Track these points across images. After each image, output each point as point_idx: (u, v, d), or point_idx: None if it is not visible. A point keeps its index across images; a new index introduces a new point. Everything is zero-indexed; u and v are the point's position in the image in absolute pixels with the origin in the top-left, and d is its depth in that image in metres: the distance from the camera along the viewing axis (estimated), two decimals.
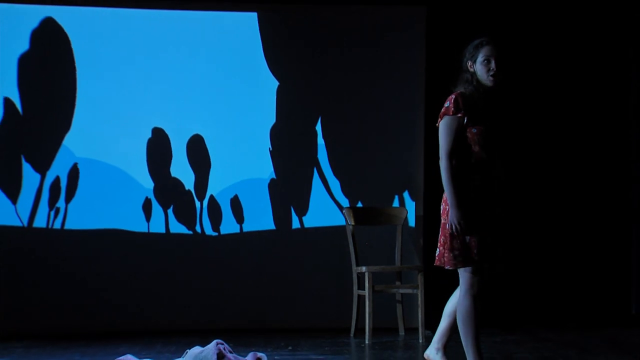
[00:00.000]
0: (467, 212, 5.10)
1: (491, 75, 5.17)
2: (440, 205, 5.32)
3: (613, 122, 8.17)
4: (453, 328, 5.30)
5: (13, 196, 7.52)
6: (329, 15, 7.84)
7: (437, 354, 5.48)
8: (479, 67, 5.21)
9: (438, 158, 5.30)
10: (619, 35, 8.17)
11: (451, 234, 5.14)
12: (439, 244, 5.23)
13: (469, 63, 5.25)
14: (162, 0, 7.68)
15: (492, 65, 5.16)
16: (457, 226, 5.09)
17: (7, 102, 7.52)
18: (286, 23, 7.82)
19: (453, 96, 5.19)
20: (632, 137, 8.19)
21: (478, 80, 5.22)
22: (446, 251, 5.15)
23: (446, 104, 5.19)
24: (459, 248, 5.11)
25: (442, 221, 5.22)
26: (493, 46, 5.22)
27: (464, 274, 5.15)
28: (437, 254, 5.24)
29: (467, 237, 5.11)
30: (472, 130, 5.15)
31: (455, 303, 5.29)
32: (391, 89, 7.86)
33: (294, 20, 7.83)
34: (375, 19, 7.87)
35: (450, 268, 5.16)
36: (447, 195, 5.14)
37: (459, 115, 5.12)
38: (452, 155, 5.13)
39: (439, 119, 5.20)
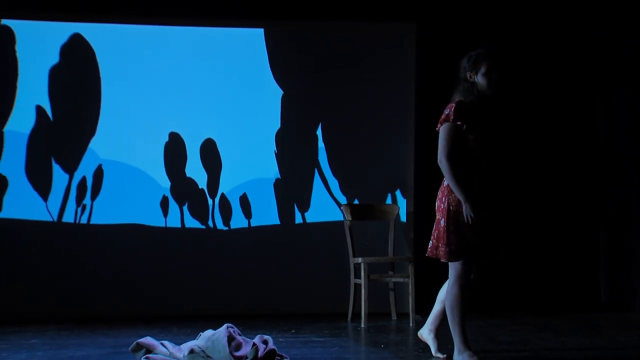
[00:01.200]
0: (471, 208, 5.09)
1: (493, 87, 5.15)
2: (430, 204, 5.35)
3: (584, 139, 8.19)
4: (445, 312, 5.31)
5: (44, 194, 7.51)
6: (328, 31, 7.83)
7: (429, 334, 5.54)
8: (481, 78, 5.16)
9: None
10: (589, 57, 8.17)
11: (447, 229, 5.16)
12: (432, 237, 5.24)
13: (469, 74, 5.20)
14: (178, 18, 7.66)
15: (494, 77, 5.14)
16: (471, 216, 5.08)
17: (39, 109, 7.51)
18: (290, 38, 7.82)
19: (453, 105, 5.15)
20: (601, 149, 8.22)
21: (479, 90, 5.19)
22: (441, 245, 5.15)
23: (446, 111, 5.16)
24: (455, 243, 5.12)
25: (437, 217, 5.23)
26: (495, 59, 5.18)
27: (454, 266, 5.16)
28: (429, 247, 5.25)
29: (466, 233, 5.12)
30: (470, 137, 5.15)
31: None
32: (385, 98, 7.85)
33: (296, 36, 7.83)
34: (369, 34, 7.86)
35: (445, 261, 5.18)
36: (455, 192, 5.10)
37: (458, 123, 5.12)
38: (451, 158, 5.12)
39: (439, 125, 5.17)
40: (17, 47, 7.50)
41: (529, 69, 7.97)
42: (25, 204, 7.49)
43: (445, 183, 5.22)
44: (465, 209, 5.09)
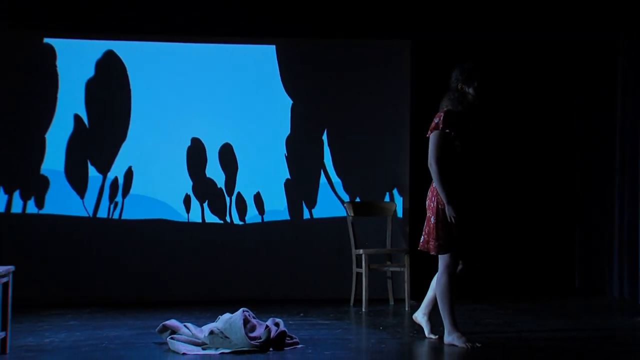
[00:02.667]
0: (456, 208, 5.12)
1: (482, 98, 5.16)
2: (424, 202, 5.36)
3: (560, 141, 8.18)
4: (436, 298, 5.34)
5: (81, 192, 7.52)
6: (332, 47, 7.82)
7: (423, 317, 5.57)
8: (473, 90, 5.16)
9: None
10: (564, 74, 8.17)
11: (437, 226, 5.17)
12: (423, 233, 5.26)
13: (461, 85, 5.18)
14: (199, 36, 7.65)
15: (484, 89, 5.15)
16: (454, 217, 5.11)
17: (77, 117, 7.52)
18: (298, 53, 7.80)
19: (442, 114, 5.14)
20: (575, 150, 8.22)
21: (468, 100, 5.19)
22: (431, 240, 5.18)
23: (436, 120, 5.15)
24: (443, 237, 5.15)
25: (428, 215, 5.25)
26: (485, 73, 5.20)
27: (443, 258, 5.19)
28: (421, 241, 5.28)
29: (453, 229, 5.12)
30: (457, 143, 5.15)
31: None
32: (383, 107, 7.84)
33: (304, 51, 7.81)
34: (369, 50, 7.84)
35: (434, 254, 5.21)
36: (440, 194, 5.11)
37: (447, 130, 5.13)
38: (439, 162, 5.13)
39: (429, 132, 5.16)
40: (58, 63, 7.50)
41: (510, 80, 7.94)
42: (64, 202, 7.48)
43: (434, 184, 5.26)
44: (448, 209, 5.13)
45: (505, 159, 7.94)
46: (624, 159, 7.57)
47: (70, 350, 5.24)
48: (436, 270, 5.34)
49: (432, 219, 5.22)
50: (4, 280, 5.05)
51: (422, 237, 5.30)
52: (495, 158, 7.75)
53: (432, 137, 5.19)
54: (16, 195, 7.46)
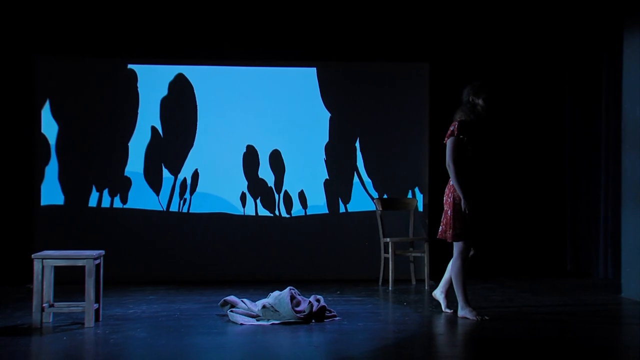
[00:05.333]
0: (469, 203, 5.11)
1: (489, 109, 5.12)
2: (441, 198, 5.36)
3: (551, 143, 8.10)
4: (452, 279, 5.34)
5: (156, 190, 7.57)
6: (363, 69, 7.77)
7: (440, 294, 5.55)
8: (482, 103, 5.15)
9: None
10: (557, 84, 8.08)
11: (453, 217, 5.16)
12: (441, 223, 5.25)
13: (472, 97, 5.16)
14: (253, 60, 7.64)
15: (491, 102, 5.12)
16: (468, 209, 5.10)
17: (153, 129, 7.59)
18: (335, 74, 7.76)
19: (457, 123, 5.13)
20: (565, 149, 8.13)
21: (478, 111, 5.19)
22: (448, 229, 5.16)
23: (451, 128, 5.14)
24: (458, 227, 5.14)
25: (445, 208, 5.23)
26: (492, 88, 5.17)
27: (457, 245, 5.19)
28: (439, 231, 5.27)
29: (467, 220, 5.10)
30: (469, 147, 5.14)
31: None
32: (405, 118, 7.78)
33: (340, 72, 7.76)
34: (394, 71, 7.78)
35: (450, 241, 5.20)
36: (457, 190, 5.09)
37: (461, 137, 5.14)
38: (456, 163, 5.12)
39: (446, 138, 5.15)
40: (139, 84, 7.56)
41: (513, 93, 7.89)
42: (143, 198, 7.53)
43: (450, 182, 5.24)
44: (463, 204, 5.13)
45: (506, 159, 7.85)
46: (608, 159, 7.49)
47: (149, 319, 5.31)
48: (451, 256, 5.33)
49: (449, 212, 5.21)
50: (97, 262, 5.16)
51: (440, 227, 5.30)
52: (497, 159, 7.65)
53: (449, 142, 5.18)
54: (105, 193, 7.54)
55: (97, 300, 5.12)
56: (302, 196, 7.76)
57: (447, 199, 5.26)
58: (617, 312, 5.71)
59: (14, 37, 7.41)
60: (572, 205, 8.14)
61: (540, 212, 8.07)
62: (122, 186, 7.54)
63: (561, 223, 8.16)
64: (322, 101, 7.79)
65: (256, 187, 7.72)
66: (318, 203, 7.76)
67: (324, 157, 7.79)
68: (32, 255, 5.03)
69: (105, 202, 7.52)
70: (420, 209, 7.76)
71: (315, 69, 7.79)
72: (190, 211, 7.61)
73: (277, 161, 7.74)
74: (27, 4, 7.38)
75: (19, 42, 7.41)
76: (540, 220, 8.06)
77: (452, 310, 5.47)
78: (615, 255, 7.24)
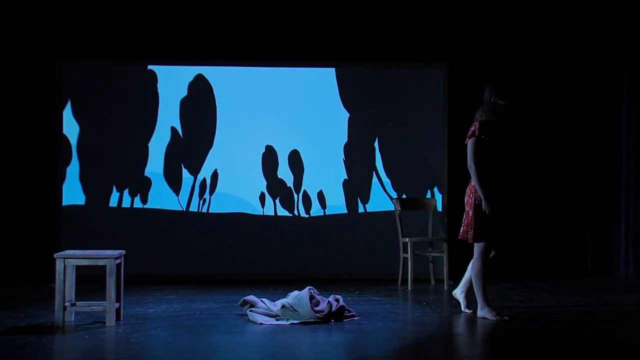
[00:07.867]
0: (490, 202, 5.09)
1: (510, 109, 5.11)
2: (461, 197, 5.36)
3: (571, 143, 8.07)
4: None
5: (176, 190, 7.57)
6: (382, 69, 7.76)
7: (460, 294, 5.55)
8: (502, 104, 5.13)
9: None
10: (577, 83, 8.04)
11: (474, 218, 5.14)
12: (462, 224, 5.24)
13: (494, 98, 5.14)
14: (272, 61, 7.65)
15: (512, 102, 5.11)
16: (489, 209, 5.08)
17: (173, 129, 7.60)
18: (354, 75, 7.75)
19: (478, 123, 5.12)
20: (585, 148, 8.10)
21: (499, 112, 5.17)
22: (470, 230, 5.15)
23: (472, 128, 5.13)
24: (480, 228, 5.12)
25: (466, 209, 5.21)
26: (513, 89, 5.17)
27: (478, 245, 5.17)
28: (461, 231, 5.25)
29: (488, 221, 5.09)
30: (490, 147, 5.13)
31: None
32: (424, 119, 7.76)
33: (358, 73, 7.76)
34: (413, 71, 7.77)
35: (472, 242, 5.18)
36: (478, 191, 5.07)
37: (482, 137, 5.13)
38: (477, 163, 5.11)
39: (467, 138, 5.13)
40: (158, 85, 7.58)
41: (532, 94, 7.86)
42: (163, 198, 7.55)
43: (471, 183, 5.22)
44: (485, 204, 5.11)
45: (526, 159, 7.83)
46: (629, 158, 7.44)
47: (169, 319, 5.34)
48: (470, 256, 5.32)
49: (471, 213, 5.19)
50: (118, 261, 5.20)
51: (462, 228, 5.28)
52: (518, 159, 7.64)
53: (470, 143, 5.16)
54: (125, 193, 7.57)
55: (117, 300, 5.16)
56: (321, 196, 7.76)
57: (469, 200, 5.24)
58: (639, 313, 5.65)
59: (35, 40, 7.49)
60: (592, 204, 8.10)
61: (560, 211, 8.03)
62: (142, 186, 7.56)
63: (582, 222, 8.12)
64: (340, 101, 7.78)
65: (275, 187, 7.71)
66: (337, 203, 7.74)
67: (343, 157, 7.77)
68: (54, 255, 5.08)
69: (126, 202, 7.54)
70: (439, 208, 7.73)
71: (334, 69, 7.78)
72: (209, 211, 7.62)
73: (296, 161, 7.73)
74: (49, 8, 7.47)
75: (40, 45, 7.48)
76: (561, 220, 8.03)
77: (471, 310, 5.47)
78: (637, 254, 7.22)
